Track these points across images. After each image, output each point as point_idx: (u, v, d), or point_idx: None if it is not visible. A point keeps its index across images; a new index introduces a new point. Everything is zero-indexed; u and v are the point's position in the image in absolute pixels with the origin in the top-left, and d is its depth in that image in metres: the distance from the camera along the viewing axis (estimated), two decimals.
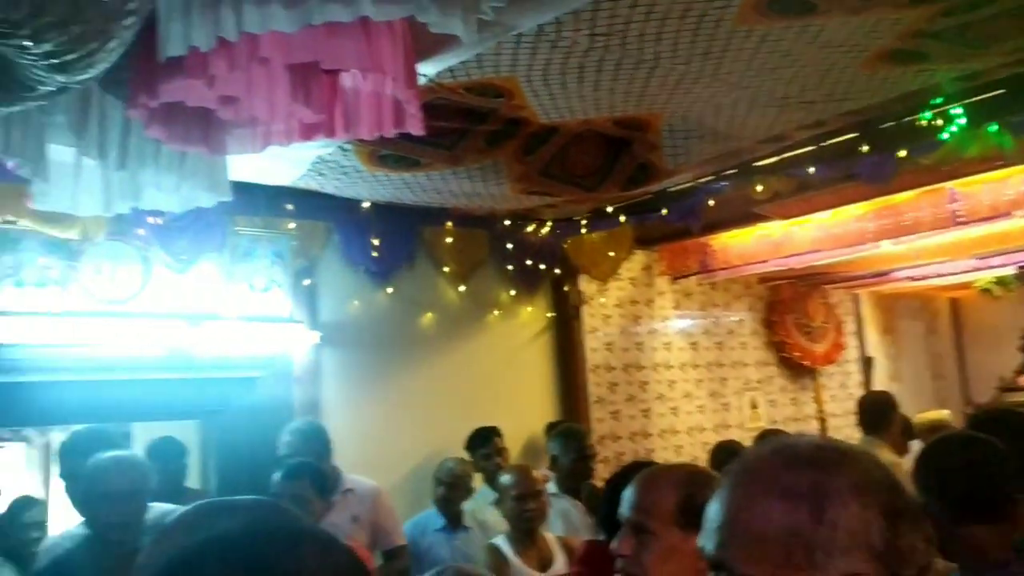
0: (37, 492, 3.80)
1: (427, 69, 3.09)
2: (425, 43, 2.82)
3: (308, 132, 2.84)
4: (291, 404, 4.48)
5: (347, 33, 2.24)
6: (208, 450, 4.78)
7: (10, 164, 2.89)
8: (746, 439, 5.69)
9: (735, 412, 6.86)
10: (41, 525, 3.85)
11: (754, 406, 7.05)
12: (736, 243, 6.11)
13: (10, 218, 3.79)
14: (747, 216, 5.40)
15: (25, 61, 2.03)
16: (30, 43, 1.91)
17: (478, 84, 3.35)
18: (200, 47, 2.04)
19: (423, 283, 5.12)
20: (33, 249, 3.87)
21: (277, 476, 3.24)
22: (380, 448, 4.62)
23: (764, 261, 6.00)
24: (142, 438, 6.14)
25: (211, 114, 2.77)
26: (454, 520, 4.37)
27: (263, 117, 2.75)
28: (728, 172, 4.76)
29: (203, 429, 5.01)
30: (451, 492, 4.38)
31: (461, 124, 3.70)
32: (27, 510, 3.89)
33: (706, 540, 1.05)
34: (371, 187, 4.40)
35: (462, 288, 5.26)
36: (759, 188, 4.75)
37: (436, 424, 4.87)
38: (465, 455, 4.67)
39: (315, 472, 3.28)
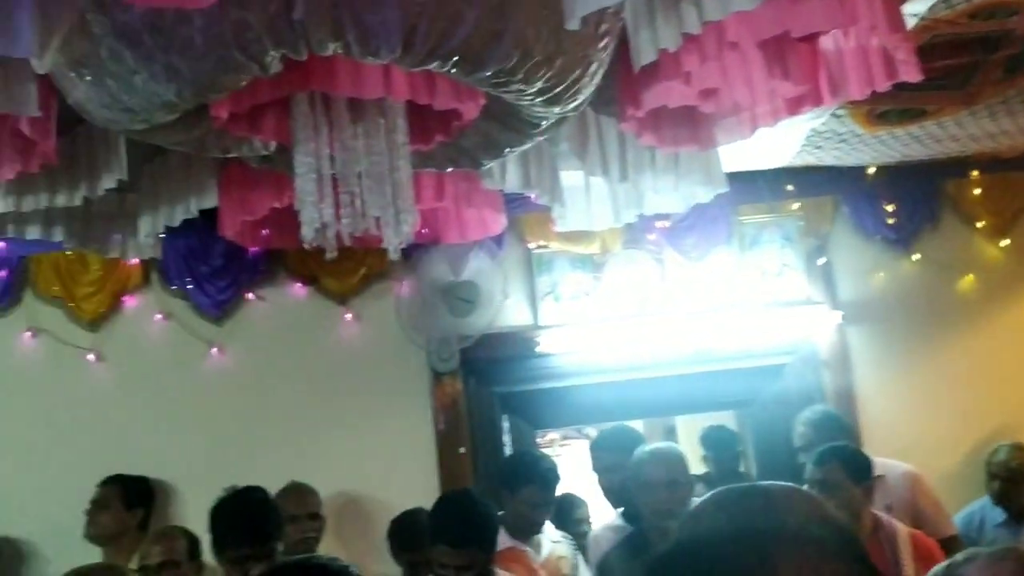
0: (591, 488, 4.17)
1: (916, 7, 2.76)
2: None
3: (794, 106, 2.73)
4: (821, 390, 4.32)
5: None
6: (745, 439, 4.85)
7: (532, 195, 3.26)
8: None
9: None
10: (587, 520, 4.26)
11: None
12: None
13: (542, 243, 4.29)
14: None
15: (524, 102, 2.27)
16: (524, 86, 2.13)
17: (983, 7, 2.90)
18: (669, 48, 2.08)
19: (954, 244, 4.57)
20: (564, 267, 4.32)
21: (809, 462, 3.14)
22: (922, 433, 4.21)
23: None
24: (684, 431, 6.48)
25: (695, 111, 2.82)
26: (1018, 513, 3.81)
27: (745, 102, 2.71)
28: None
29: (738, 419, 5.10)
30: (1008, 486, 3.83)
31: (969, 58, 3.24)
32: (576, 508, 4.32)
33: None
34: (875, 149, 4.07)
35: (1004, 243, 4.59)
36: None
37: (987, 402, 4.30)
38: None
39: (848, 455, 3.09)
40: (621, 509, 3.57)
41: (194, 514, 3.76)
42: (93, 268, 4.06)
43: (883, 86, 2.57)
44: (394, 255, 2.50)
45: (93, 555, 3.50)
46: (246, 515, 2.95)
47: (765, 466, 4.45)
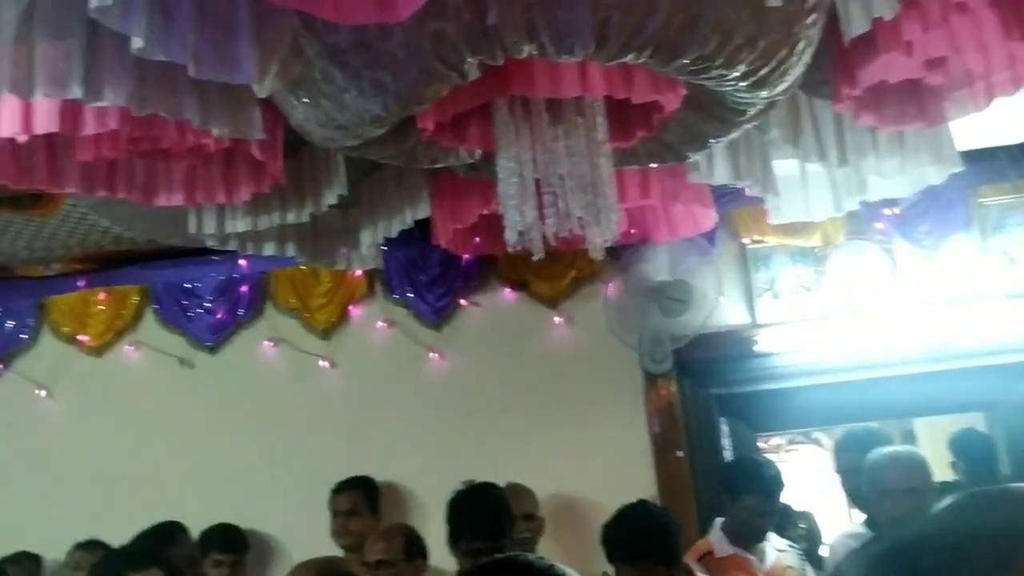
0: (826, 491, 3.96)
1: None
2: None
3: None
4: None
5: None
6: (997, 444, 4.39)
7: (743, 187, 3.13)
8: None
9: None
10: (808, 528, 4.03)
11: None
12: None
13: (757, 237, 4.10)
14: None
15: (727, 88, 2.17)
16: (726, 71, 2.03)
17: None
18: (884, 16, 1.92)
19: None
20: (782, 262, 4.11)
21: None
22: None
23: None
24: (926, 435, 5.98)
25: (920, 84, 2.59)
26: None
27: (979, 70, 2.46)
28: None
29: (988, 422, 4.64)
30: None
31: None
32: (794, 517, 4.09)
33: None
34: None
35: None
36: None
37: None
38: None
39: None
40: (864, 518, 3.38)
41: (416, 513, 3.95)
42: (324, 280, 4.34)
43: None
44: (598, 255, 2.48)
45: (329, 551, 3.72)
46: (482, 510, 3.06)
47: (1021, 474, 4.01)
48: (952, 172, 2.96)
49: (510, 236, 2.39)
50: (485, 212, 3.11)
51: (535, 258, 2.49)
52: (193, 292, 4.41)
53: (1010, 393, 4.08)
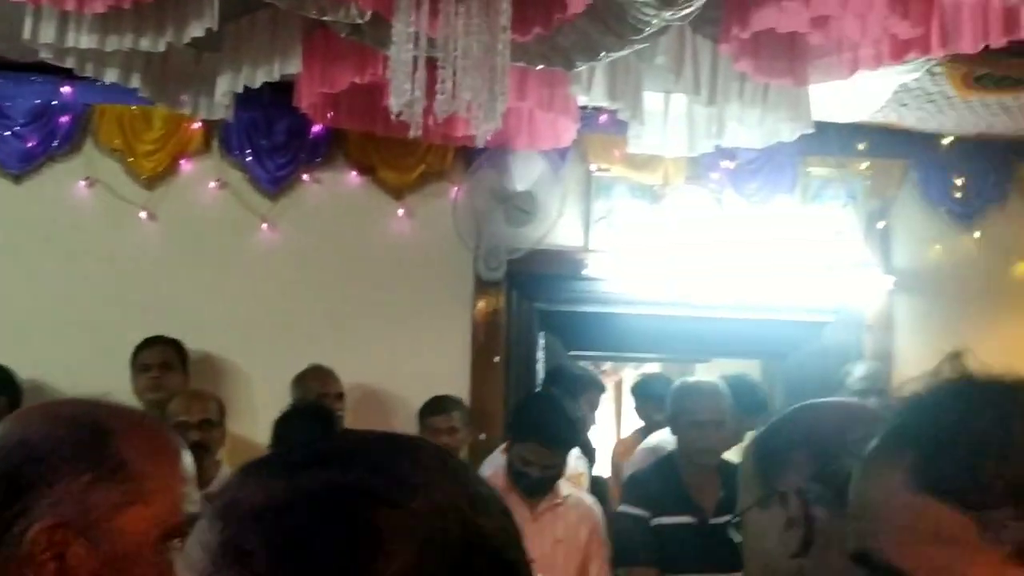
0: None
1: None
2: None
3: (900, 51, 2.66)
4: (861, 352, 4.29)
5: None
6: (772, 392, 4.82)
7: (602, 113, 3.20)
8: None
9: None
10: None
11: None
12: None
13: (604, 166, 4.22)
14: None
15: (636, 2, 2.21)
16: None
17: None
18: None
19: (1018, 227, 4.49)
20: (622, 194, 4.26)
21: None
22: None
23: None
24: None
25: (798, 43, 2.75)
26: None
27: (854, 37, 2.64)
28: None
29: (765, 371, 5.08)
30: None
31: None
32: None
33: None
34: (958, 117, 3.97)
35: None
36: None
37: None
38: None
39: None
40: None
41: (229, 385, 3.84)
42: (156, 126, 4.03)
43: (999, 41, 2.50)
44: (481, 142, 2.47)
45: None
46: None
47: None
48: (803, 133, 3.17)
49: (395, 104, 2.33)
50: (357, 80, 2.99)
51: (412, 134, 2.44)
52: (3, 112, 3.97)
53: (794, 347, 4.49)
